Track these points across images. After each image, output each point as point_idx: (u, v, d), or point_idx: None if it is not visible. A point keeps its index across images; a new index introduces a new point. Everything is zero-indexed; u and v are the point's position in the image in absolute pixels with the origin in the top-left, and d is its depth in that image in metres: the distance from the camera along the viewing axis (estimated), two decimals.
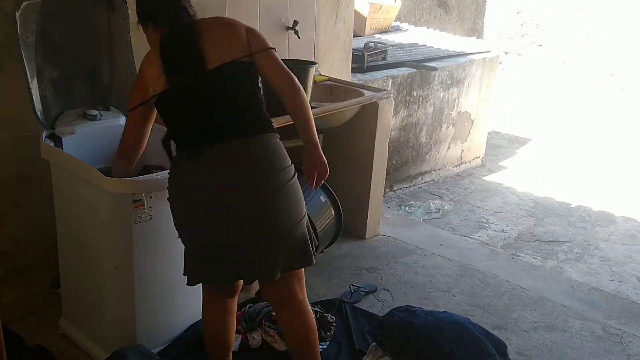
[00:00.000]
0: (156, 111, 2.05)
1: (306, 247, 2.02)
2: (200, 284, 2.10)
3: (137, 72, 2.07)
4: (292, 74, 2.03)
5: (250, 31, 2.03)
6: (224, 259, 1.96)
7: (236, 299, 2.19)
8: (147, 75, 1.99)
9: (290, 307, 2.10)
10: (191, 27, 1.99)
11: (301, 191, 2.01)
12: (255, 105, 2.01)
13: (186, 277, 2.06)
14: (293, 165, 2.01)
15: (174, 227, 2.04)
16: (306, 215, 2.02)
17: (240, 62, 1.97)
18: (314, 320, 2.16)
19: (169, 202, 2.03)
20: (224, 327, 2.16)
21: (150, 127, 2.11)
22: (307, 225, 2.03)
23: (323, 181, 2.11)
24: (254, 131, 1.96)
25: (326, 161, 2.09)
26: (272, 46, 2.03)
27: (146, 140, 2.12)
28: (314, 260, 2.05)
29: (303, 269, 2.09)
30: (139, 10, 2.07)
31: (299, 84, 2.03)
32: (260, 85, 2.05)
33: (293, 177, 1.99)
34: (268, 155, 1.95)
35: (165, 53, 1.96)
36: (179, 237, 2.05)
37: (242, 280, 2.17)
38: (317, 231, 3.07)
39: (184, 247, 2.06)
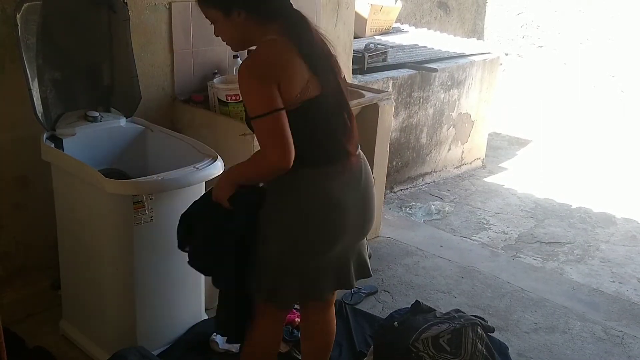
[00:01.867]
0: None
1: (366, 260, 2.07)
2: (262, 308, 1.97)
3: (264, 65, 1.69)
4: None
5: None
6: (333, 270, 1.93)
7: None
8: (288, 70, 1.70)
9: (329, 310, 2.12)
10: (311, 25, 1.80)
11: None
12: None
13: (276, 301, 1.91)
14: None
15: (288, 251, 1.84)
16: None
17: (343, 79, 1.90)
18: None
19: (296, 221, 1.82)
20: (279, 342, 2.11)
21: None
22: None
23: None
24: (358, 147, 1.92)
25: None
26: None
27: None
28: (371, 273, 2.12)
29: None
30: None
31: None
32: None
33: None
34: (370, 172, 1.96)
35: (309, 51, 1.73)
36: (287, 258, 1.85)
37: None
38: None
39: (286, 275, 1.87)
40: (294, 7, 1.82)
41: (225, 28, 1.78)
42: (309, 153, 1.76)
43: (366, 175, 1.91)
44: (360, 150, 1.92)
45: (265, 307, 1.94)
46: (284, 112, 1.67)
